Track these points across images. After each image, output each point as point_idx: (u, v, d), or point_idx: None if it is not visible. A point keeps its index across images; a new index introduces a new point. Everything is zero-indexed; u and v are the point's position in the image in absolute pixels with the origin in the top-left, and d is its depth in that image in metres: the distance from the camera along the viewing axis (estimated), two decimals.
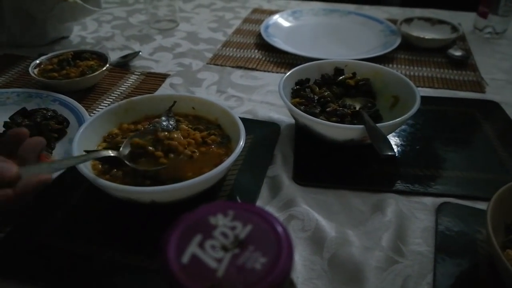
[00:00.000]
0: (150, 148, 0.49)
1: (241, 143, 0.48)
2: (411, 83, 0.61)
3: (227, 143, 0.53)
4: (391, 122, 0.53)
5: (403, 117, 0.53)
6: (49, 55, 0.76)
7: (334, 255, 0.44)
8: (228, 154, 0.50)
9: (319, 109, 0.59)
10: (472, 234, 0.47)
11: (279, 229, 0.25)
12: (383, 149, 0.48)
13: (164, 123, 0.54)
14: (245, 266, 0.23)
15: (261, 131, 0.62)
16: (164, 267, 0.23)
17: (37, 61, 0.74)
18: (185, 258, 0.23)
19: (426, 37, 0.90)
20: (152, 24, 1.03)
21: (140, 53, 0.87)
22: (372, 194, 0.52)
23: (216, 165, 0.46)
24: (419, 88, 0.76)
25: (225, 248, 0.24)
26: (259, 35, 0.95)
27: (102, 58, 0.77)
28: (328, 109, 0.59)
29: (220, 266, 0.23)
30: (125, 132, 0.55)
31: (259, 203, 0.51)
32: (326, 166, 0.56)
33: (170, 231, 0.25)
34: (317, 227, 0.47)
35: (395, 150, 0.59)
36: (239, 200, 0.51)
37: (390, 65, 0.84)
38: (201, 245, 0.24)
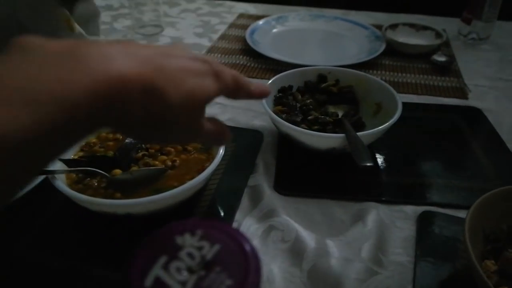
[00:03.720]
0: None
1: (220, 152, 0.48)
2: (393, 91, 0.61)
3: (208, 149, 0.53)
4: (372, 131, 0.53)
5: (384, 126, 0.53)
6: None
7: (313, 267, 0.43)
8: (210, 160, 0.50)
9: (301, 117, 0.59)
10: (453, 244, 0.46)
11: (248, 248, 0.24)
12: (361, 159, 0.48)
13: None
14: None
15: (244, 138, 0.62)
16: None
17: None
18: (148, 282, 0.22)
19: (411, 43, 0.90)
20: (136, 29, 1.02)
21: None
22: (354, 203, 0.52)
23: (198, 171, 0.46)
24: (403, 95, 0.76)
25: (190, 270, 0.23)
26: (245, 41, 0.94)
27: None
28: (309, 117, 0.58)
29: None
30: (103, 141, 0.54)
31: (239, 213, 0.50)
32: (308, 175, 0.56)
33: (134, 252, 0.24)
34: (297, 237, 0.46)
35: (377, 157, 0.59)
36: (220, 210, 0.51)
37: (375, 71, 0.84)
38: (165, 267, 0.23)
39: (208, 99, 0.30)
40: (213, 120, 0.35)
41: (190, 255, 0.24)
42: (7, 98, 0.21)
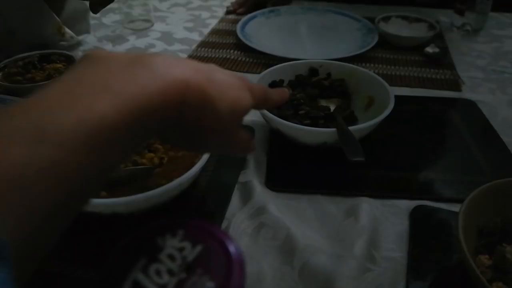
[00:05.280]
0: None
1: None
2: (385, 84, 0.60)
3: None
4: (363, 125, 0.52)
5: (376, 119, 0.52)
6: (14, 57, 0.73)
7: (305, 264, 0.42)
8: (198, 156, 0.49)
9: (291, 112, 0.58)
10: (446, 238, 0.46)
11: (231, 249, 0.23)
12: (352, 154, 0.47)
13: None
14: None
15: None
16: None
17: (2, 65, 0.71)
18: (127, 286, 0.21)
19: (403, 35, 0.89)
20: (125, 24, 1.00)
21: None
22: (346, 199, 0.51)
23: (186, 168, 0.44)
24: (396, 88, 0.75)
25: (171, 273, 0.22)
26: (236, 35, 0.93)
27: (70, 60, 0.74)
28: (300, 112, 0.57)
29: None
30: None
31: (230, 210, 0.49)
32: (300, 170, 0.55)
33: (112, 255, 0.23)
34: (288, 235, 0.45)
35: (370, 151, 0.58)
36: (210, 207, 0.50)
37: (368, 64, 0.83)
38: (144, 270, 0.22)
39: (246, 110, 0.32)
40: (243, 129, 0.37)
41: (170, 257, 0.23)
42: (90, 92, 0.22)
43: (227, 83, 0.30)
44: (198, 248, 0.23)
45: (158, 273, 0.22)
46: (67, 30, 0.81)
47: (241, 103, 0.31)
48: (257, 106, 0.36)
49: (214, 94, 0.28)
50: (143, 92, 0.23)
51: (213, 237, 0.24)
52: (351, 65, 0.66)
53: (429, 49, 0.86)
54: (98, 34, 0.95)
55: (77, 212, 0.22)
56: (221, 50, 0.89)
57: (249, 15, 1.00)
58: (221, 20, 1.05)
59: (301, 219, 0.48)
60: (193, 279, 0.21)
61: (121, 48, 0.89)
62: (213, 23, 1.03)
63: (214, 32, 0.98)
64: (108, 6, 1.11)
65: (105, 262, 0.22)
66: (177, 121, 0.27)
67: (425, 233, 0.46)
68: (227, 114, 0.29)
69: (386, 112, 0.53)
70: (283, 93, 0.41)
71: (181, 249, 0.23)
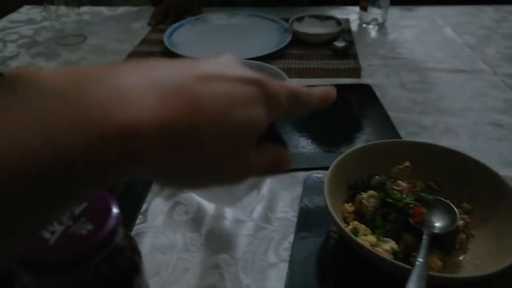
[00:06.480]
0: None
1: None
2: (285, 76, 0.70)
3: None
4: None
5: None
6: None
7: (210, 230, 0.50)
8: None
9: None
10: None
11: (110, 203, 0.31)
12: None
13: None
14: (75, 233, 0.29)
15: None
16: None
17: None
18: None
19: (312, 32, 1.00)
20: (59, 40, 1.05)
21: (43, 69, 0.89)
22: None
23: None
24: (305, 79, 0.85)
25: (60, 223, 0.29)
26: (164, 44, 1.00)
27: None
28: None
29: (53, 236, 0.28)
30: None
31: (150, 195, 0.56)
32: None
33: None
34: (198, 209, 0.53)
35: (276, 134, 0.67)
36: (133, 194, 0.57)
37: (282, 60, 0.93)
38: None
39: (258, 132, 0.25)
40: (267, 148, 0.28)
41: None
42: None
43: (226, 100, 0.23)
44: (84, 204, 0.31)
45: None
46: None
47: (246, 125, 0.24)
48: (284, 114, 0.28)
49: (196, 124, 0.21)
50: (52, 145, 0.17)
51: (98, 197, 0.31)
52: (258, 62, 0.76)
53: (336, 43, 0.97)
54: (32, 51, 1.00)
55: None
56: (149, 59, 0.96)
57: (176, 24, 1.08)
58: (152, 30, 1.12)
59: (211, 195, 0.56)
60: (77, 225, 0.29)
61: (54, 63, 0.94)
62: (144, 33, 1.10)
63: (144, 42, 1.05)
64: (42, 24, 1.16)
65: None
66: (136, 172, 0.21)
67: (313, 195, 0.55)
68: (222, 145, 0.23)
69: None
70: (326, 94, 0.31)
71: None
